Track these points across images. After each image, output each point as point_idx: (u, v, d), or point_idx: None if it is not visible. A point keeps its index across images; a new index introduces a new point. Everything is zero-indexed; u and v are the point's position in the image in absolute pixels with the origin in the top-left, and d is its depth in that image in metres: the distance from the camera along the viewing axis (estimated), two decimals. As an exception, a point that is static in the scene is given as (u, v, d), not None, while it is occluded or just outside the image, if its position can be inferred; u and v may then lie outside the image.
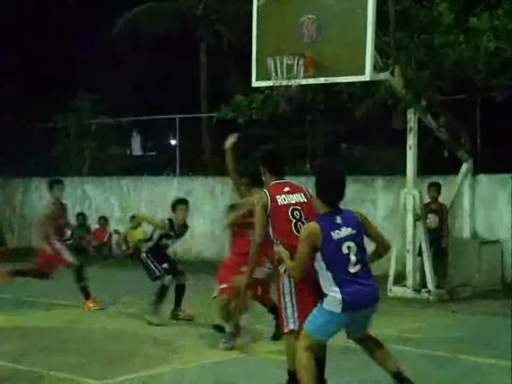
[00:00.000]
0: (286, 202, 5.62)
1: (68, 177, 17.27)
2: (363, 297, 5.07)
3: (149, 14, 19.96)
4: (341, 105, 12.83)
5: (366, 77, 9.32)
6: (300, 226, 5.48)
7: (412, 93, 10.38)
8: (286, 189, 5.72)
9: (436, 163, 12.36)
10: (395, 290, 10.62)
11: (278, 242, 5.51)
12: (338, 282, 5.03)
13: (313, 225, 5.12)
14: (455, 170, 11.67)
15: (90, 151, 17.79)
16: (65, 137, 18.09)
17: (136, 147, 27.09)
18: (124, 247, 15.68)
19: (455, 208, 11.64)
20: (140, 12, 19.96)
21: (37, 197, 17.73)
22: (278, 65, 9.45)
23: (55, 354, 7.18)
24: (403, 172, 10.96)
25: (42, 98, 20.02)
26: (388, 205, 12.61)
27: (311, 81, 9.90)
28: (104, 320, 8.94)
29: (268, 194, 5.65)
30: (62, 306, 9.94)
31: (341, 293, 5.00)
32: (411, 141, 10.53)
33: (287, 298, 5.43)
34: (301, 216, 5.58)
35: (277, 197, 5.62)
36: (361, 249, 5.17)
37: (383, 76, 9.88)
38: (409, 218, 10.61)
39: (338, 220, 5.13)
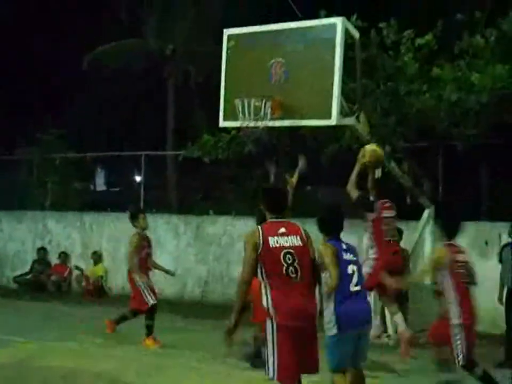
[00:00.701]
0: (278, 245, 5.51)
1: (29, 211, 17.11)
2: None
3: (117, 50, 20.05)
4: (306, 148, 12.97)
5: (332, 121, 9.45)
6: (292, 271, 5.44)
7: (376, 139, 10.56)
8: (282, 230, 5.58)
9: (399, 208, 12.50)
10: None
11: (267, 283, 5.47)
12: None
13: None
14: (417, 216, 11.83)
15: (53, 185, 17.63)
16: (27, 170, 17.92)
17: (100, 182, 26.91)
18: (83, 283, 15.48)
19: (417, 253, 11.76)
20: (108, 48, 20.05)
21: (-3, 229, 17.49)
22: (246, 106, 9.54)
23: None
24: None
25: (5, 130, 19.88)
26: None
27: (278, 123, 10.00)
28: (62, 358, 8.77)
29: (260, 232, 5.55)
30: (19, 343, 9.73)
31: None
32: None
33: (270, 346, 5.42)
34: (293, 261, 5.48)
35: (269, 238, 5.54)
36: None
37: (348, 121, 10.04)
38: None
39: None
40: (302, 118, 9.74)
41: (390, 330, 10.40)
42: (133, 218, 10.37)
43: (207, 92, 17.65)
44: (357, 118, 10.22)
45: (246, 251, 5.55)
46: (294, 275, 5.46)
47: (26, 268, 16.42)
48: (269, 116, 9.57)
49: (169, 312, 13.15)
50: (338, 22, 9.39)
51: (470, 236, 11.38)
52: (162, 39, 20.37)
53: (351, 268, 5.90)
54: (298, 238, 5.61)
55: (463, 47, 10.63)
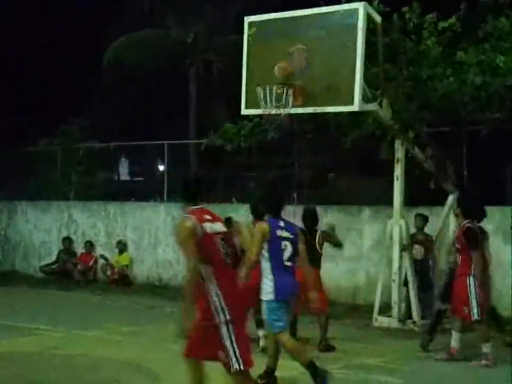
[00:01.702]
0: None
1: (54, 201, 17.26)
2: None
3: (138, 41, 20.10)
4: (328, 135, 12.91)
5: (355, 107, 9.40)
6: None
7: (399, 124, 10.48)
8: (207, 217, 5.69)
9: (423, 194, 12.41)
10: (380, 321, 10.61)
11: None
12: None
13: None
14: (441, 202, 11.73)
15: (77, 175, 17.75)
16: (52, 161, 18.05)
17: (124, 172, 27.03)
18: (109, 272, 15.59)
19: (441, 239, 11.67)
20: (130, 38, 20.09)
21: (23, 220, 17.65)
22: (268, 93, 9.52)
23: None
24: (389, 203, 11.01)
25: (29, 122, 20.03)
26: (374, 235, 12.64)
27: (300, 110, 9.97)
28: (88, 346, 8.85)
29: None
30: (46, 331, 9.83)
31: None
32: (398, 171, 10.60)
33: (228, 343, 5.51)
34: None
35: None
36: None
37: (371, 106, 9.97)
38: (396, 249, 10.64)
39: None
40: (324, 104, 9.70)
41: (415, 317, 10.35)
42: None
43: (229, 80, 17.64)
44: (380, 103, 10.15)
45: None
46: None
47: (52, 258, 16.58)
48: (290, 103, 9.55)
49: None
50: (360, 7, 9.33)
51: (494, 221, 11.27)
52: (183, 28, 20.38)
53: (284, 244, 6.61)
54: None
55: (488, 29, 10.47)
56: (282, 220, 6.79)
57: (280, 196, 7.27)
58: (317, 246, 8.90)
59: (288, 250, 6.61)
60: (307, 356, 6.60)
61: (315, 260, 8.52)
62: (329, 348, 8.72)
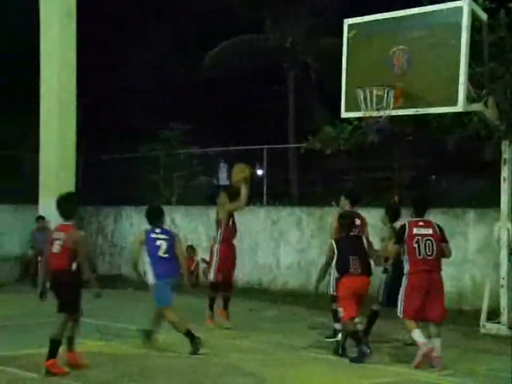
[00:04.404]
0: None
1: (157, 206, 17.65)
2: None
3: (237, 46, 20.35)
4: (429, 136, 12.65)
5: (459, 107, 9.16)
6: None
7: (506, 124, 10.13)
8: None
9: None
10: (488, 327, 10.27)
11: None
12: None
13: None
14: None
15: (178, 180, 18.12)
16: (154, 166, 18.51)
17: (223, 177, 27.41)
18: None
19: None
20: (229, 44, 20.38)
21: (128, 224, 18.17)
22: (368, 96, 9.42)
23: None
24: (496, 205, 10.66)
25: (131, 128, 20.63)
26: (480, 239, 12.26)
27: (401, 112, 9.80)
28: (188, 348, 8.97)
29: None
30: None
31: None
32: (505, 173, 10.25)
33: None
34: None
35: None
36: None
37: (476, 106, 9.69)
38: (503, 252, 10.29)
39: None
40: (426, 105, 9.50)
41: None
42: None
43: (327, 83, 17.59)
44: (485, 103, 9.84)
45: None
46: None
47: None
48: (391, 105, 9.40)
49: (293, 304, 13.23)
50: (464, 4, 9.09)
51: None
52: (281, 33, 20.49)
53: (159, 242, 8.89)
54: None
55: None
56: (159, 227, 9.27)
57: (158, 213, 9.52)
58: None
59: (163, 246, 8.92)
60: (185, 327, 8.66)
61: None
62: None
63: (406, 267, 8.27)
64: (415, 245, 8.18)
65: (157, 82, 21.92)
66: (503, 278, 10.24)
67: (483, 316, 10.32)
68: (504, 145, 10.27)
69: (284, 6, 20.13)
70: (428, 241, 8.23)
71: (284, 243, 15.17)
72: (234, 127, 22.50)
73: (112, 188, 19.05)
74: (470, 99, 9.43)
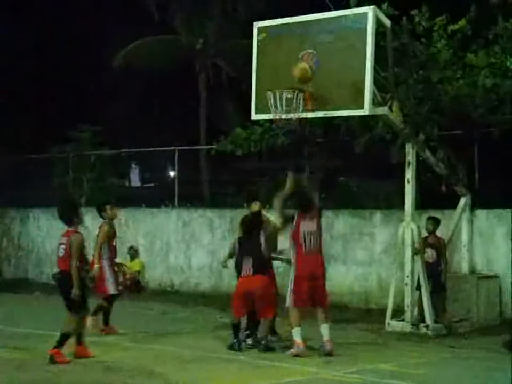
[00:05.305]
0: None
1: (66, 208, 17.27)
2: None
3: (148, 47, 20.17)
4: (339, 138, 12.90)
5: (365, 111, 9.40)
6: None
7: (410, 128, 10.45)
8: None
9: (434, 197, 12.38)
10: (393, 325, 10.57)
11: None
12: None
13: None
14: (453, 204, 11.69)
15: (88, 182, 17.80)
16: (63, 168, 18.12)
17: (135, 178, 27.12)
18: (121, 278, 15.57)
19: (453, 242, 11.64)
20: (139, 45, 20.17)
21: (35, 227, 17.71)
22: (278, 98, 9.52)
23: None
24: (401, 206, 10.98)
25: (40, 129, 20.13)
26: (386, 239, 12.61)
27: (310, 115, 9.96)
28: (101, 352, 8.82)
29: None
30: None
31: None
32: (409, 174, 10.55)
33: None
34: None
35: None
36: None
37: (381, 110, 9.95)
38: (408, 252, 10.59)
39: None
40: (334, 108, 9.70)
41: (428, 321, 10.31)
42: (100, 209, 10.58)
43: (239, 85, 17.66)
44: (390, 107, 10.12)
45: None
46: None
47: (65, 265, 16.59)
48: (301, 108, 9.54)
49: (205, 305, 13.23)
50: (369, 11, 9.34)
51: (507, 223, 11.23)
52: (192, 34, 20.43)
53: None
54: None
55: (498, 31, 10.44)
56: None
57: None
58: None
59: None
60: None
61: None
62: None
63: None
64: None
65: (65, 81, 21.47)
66: (407, 276, 10.55)
67: (388, 313, 10.61)
68: (408, 148, 10.58)
69: (194, 7, 20.09)
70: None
71: (195, 245, 15.15)
72: (145, 129, 22.28)
73: (19, 189, 18.50)
74: (375, 103, 9.69)
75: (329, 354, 8.50)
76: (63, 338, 8.24)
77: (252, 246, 8.90)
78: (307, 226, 8.76)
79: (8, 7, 20.76)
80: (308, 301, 8.69)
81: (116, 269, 10.75)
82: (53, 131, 18.89)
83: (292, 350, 8.55)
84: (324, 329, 8.62)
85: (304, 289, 8.63)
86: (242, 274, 8.87)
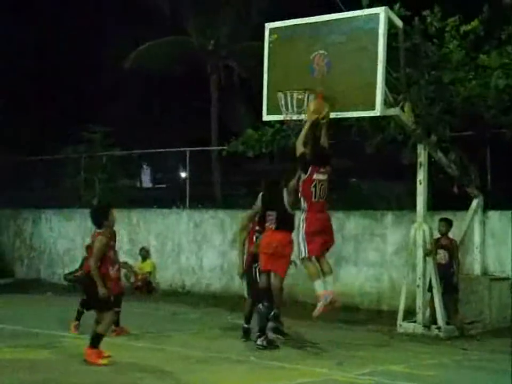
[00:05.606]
0: None
1: (78, 209, 17.36)
2: None
3: (160, 48, 20.20)
4: (350, 139, 12.87)
5: (377, 112, 9.38)
6: None
7: (422, 129, 10.42)
8: None
9: (446, 199, 12.33)
10: (405, 326, 10.53)
11: None
12: None
13: None
14: (465, 206, 11.64)
15: (100, 182, 17.86)
16: (75, 169, 18.18)
17: (146, 179, 27.19)
18: (132, 279, 15.64)
19: (465, 244, 11.58)
20: (151, 46, 20.21)
21: (47, 228, 17.79)
22: (289, 99, 9.51)
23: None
24: (413, 207, 10.94)
25: (40, 130, 20.19)
26: (398, 240, 12.57)
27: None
28: (110, 353, 8.84)
29: None
30: (70, 338, 9.85)
31: None
32: (421, 176, 10.52)
33: None
34: None
35: None
36: None
37: (393, 111, 9.93)
38: (419, 254, 10.56)
39: None
40: (346, 109, 9.68)
41: (440, 322, 10.27)
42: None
43: (250, 87, 17.66)
44: (402, 108, 10.10)
45: None
46: None
47: (77, 265, 16.65)
48: (312, 109, 9.50)
49: (216, 306, 13.24)
50: (381, 11, 9.32)
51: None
52: (204, 35, 20.46)
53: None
54: None
55: (511, 32, 10.39)
56: None
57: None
58: None
59: None
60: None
61: None
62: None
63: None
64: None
65: (77, 83, 21.54)
66: (419, 278, 10.52)
67: (400, 315, 10.57)
68: (420, 149, 10.55)
69: (206, 8, 20.11)
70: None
71: (206, 246, 15.16)
72: (157, 129, 22.33)
73: (32, 191, 18.61)
74: (387, 104, 9.67)
75: (331, 303, 8.63)
76: (99, 338, 8.21)
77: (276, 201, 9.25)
78: (319, 176, 8.95)
79: (8, 7, 20.80)
80: (320, 249, 8.90)
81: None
82: (53, 131, 18.94)
83: (318, 305, 8.60)
84: (329, 279, 8.81)
85: (316, 239, 8.83)
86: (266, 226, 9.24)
